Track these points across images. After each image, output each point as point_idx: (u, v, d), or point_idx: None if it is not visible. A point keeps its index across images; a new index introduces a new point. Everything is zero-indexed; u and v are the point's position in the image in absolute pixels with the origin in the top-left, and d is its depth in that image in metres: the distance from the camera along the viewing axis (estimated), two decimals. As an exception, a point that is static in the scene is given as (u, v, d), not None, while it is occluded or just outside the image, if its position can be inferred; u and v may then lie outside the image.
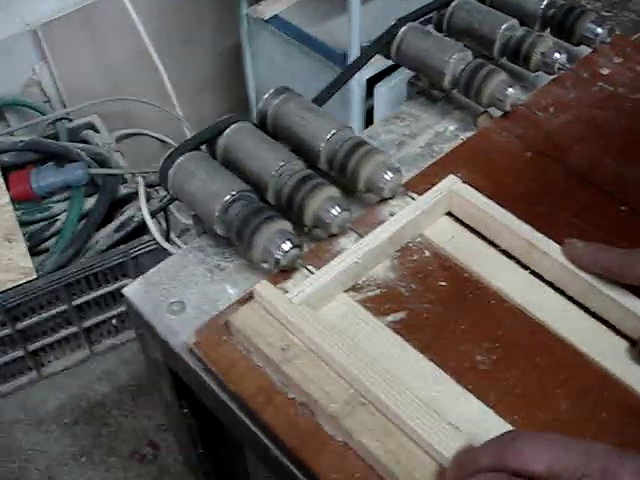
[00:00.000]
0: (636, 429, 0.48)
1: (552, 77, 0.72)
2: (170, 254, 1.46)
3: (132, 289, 0.59)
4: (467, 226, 0.60)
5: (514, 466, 0.40)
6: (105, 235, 1.39)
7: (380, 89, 1.49)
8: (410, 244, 0.59)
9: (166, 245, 1.44)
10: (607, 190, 0.62)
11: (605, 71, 0.73)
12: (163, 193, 1.53)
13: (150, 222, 1.39)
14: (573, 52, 0.75)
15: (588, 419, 0.48)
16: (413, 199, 0.60)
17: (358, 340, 0.51)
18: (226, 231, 0.58)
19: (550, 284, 0.56)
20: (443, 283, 0.56)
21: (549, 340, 0.53)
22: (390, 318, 0.54)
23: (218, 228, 0.58)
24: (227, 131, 0.62)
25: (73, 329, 1.41)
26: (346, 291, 0.56)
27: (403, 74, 1.49)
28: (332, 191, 0.58)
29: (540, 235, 0.56)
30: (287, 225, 0.56)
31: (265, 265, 0.57)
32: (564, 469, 0.39)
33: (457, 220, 0.61)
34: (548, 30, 0.76)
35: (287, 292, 0.53)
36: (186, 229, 1.78)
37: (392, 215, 0.59)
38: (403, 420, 0.45)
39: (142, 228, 1.45)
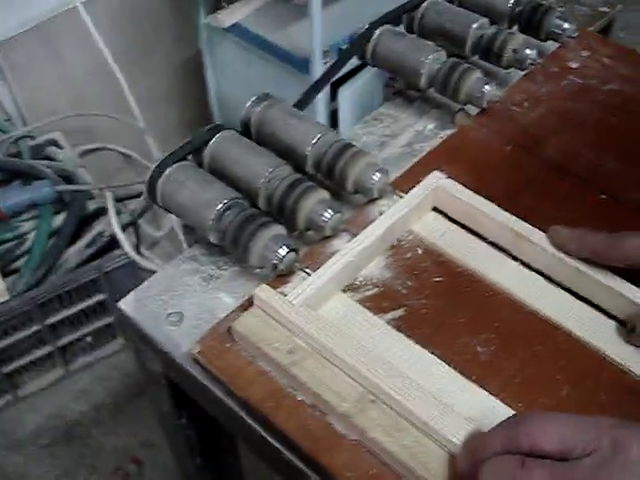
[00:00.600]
0: (635, 407, 0.49)
1: (523, 73, 0.74)
2: (142, 268, 1.46)
3: (128, 302, 0.59)
4: (454, 220, 0.61)
5: (526, 446, 0.41)
6: (76, 252, 1.38)
7: (344, 92, 1.50)
8: (403, 242, 0.60)
9: (138, 259, 1.43)
10: (586, 179, 0.64)
11: (574, 64, 0.75)
12: (132, 207, 1.53)
13: (121, 236, 1.38)
14: (541, 47, 0.77)
15: (589, 401, 0.50)
16: (401, 197, 0.61)
17: (361, 339, 0.52)
18: (220, 239, 0.58)
19: (540, 272, 0.57)
20: (438, 279, 0.57)
21: (545, 327, 0.54)
22: (389, 316, 0.55)
23: (212, 236, 0.58)
24: (213, 140, 0.63)
25: (48, 349, 1.39)
26: (344, 291, 0.56)
27: (365, 77, 1.51)
28: (323, 194, 0.59)
29: (526, 225, 0.58)
30: (282, 230, 0.57)
31: (263, 271, 0.57)
32: (575, 445, 0.40)
33: (444, 215, 0.62)
34: (516, 27, 0.78)
35: (286, 295, 0.54)
36: (156, 242, 1.77)
37: (382, 214, 0.60)
38: (414, 414, 0.46)
39: (112, 243, 1.44)
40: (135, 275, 1.45)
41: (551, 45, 0.78)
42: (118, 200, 1.49)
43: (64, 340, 1.42)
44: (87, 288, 1.39)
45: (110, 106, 1.59)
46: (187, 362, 0.55)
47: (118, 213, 1.43)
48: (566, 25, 0.75)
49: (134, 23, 1.61)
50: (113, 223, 1.38)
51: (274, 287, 0.55)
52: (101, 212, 1.45)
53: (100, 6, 1.50)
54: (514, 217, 0.58)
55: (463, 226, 0.61)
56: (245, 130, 0.66)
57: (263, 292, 0.54)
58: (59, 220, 1.38)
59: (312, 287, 0.54)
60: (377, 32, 0.72)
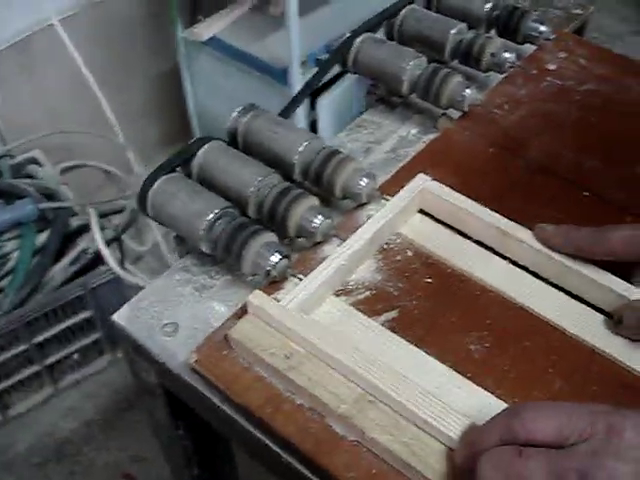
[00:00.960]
0: (625, 398, 0.51)
1: (503, 76, 0.76)
2: (127, 283, 1.45)
3: (122, 314, 0.60)
4: (440, 222, 0.62)
5: (522, 436, 0.41)
6: (60, 270, 1.37)
7: (322, 101, 1.51)
8: (392, 245, 0.61)
9: (123, 274, 1.43)
10: (569, 179, 0.65)
11: (551, 66, 0.77)
12: (115, 222, 1.53)
13: (106, 252, 1.38)
14: (519, 51, 0.78)
15: (581, 394, 0.51)
16: (387, 200, 0.62)
17: (357, 341, 0.53)
18: (212, 249, 0.59)
19: (527, 269, 0.59)
20: (428, 280, 0.58)
21: (535, 323, 0.55)
22: (383, 318, 0.56)
23: (204, 246, 0.59)
24: (201, 151, 0.63)
25: (35, 368, 1.39)
26: (337, 295, 0.57)
27: (342, 86, 1.53)
28: (312, 201, 0.60)
29: (512, 223, 0.59)
30: (273, 237, 0.57)
31: (255, 278, 0.58)
32: (570, 432, 0.41)
33: (430, 217, 0.63)
34: (493, 31, 0.79)
35: (280, 301, 0.54)
36: (139, 257, 1.77)
37: (370, 218, 0.61)
38: (413, 412, 0.47)
39: (96, 259, 1.43)
40: (120, 291, 1.45)
41: (528, 48, 0.79)
42: (101, 216, 1.49)
43: (52, 358, 1.41)
44: (73, 305, 1.38)
45: (89, 122, 1.59)
46: (184, 371, 0.55)
47: (101, 229, 1.43)
48: (543, 28, 0.76)
49: (111, 39, 1.62)
50: (97, 239, 1.38)
51: (267, 294, 0.56)
52: (84, 229, 1.45)
53: (77, 22, 1.51)
54: (500, 216, 0.60)
55: (450, 227, 0.62)
56: (232, 140, 0.66)
57: (256, 298, 0.54)
58: (42, 238, 1.38)
59: (305, 292, 0.55)
60: (358, 40, 0.73)
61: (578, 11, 0.97)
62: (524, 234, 0.58)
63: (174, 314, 0.59)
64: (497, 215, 0.60)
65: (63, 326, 1.39)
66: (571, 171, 0.66)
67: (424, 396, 0.48)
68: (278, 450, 0.51)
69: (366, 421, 0.48)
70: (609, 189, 0.65)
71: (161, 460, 1.35)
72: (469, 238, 0.61)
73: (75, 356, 1.46)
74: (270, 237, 0.57)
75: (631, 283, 0.55)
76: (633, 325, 0.53)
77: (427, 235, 0.61)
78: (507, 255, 0.60)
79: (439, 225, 0.62)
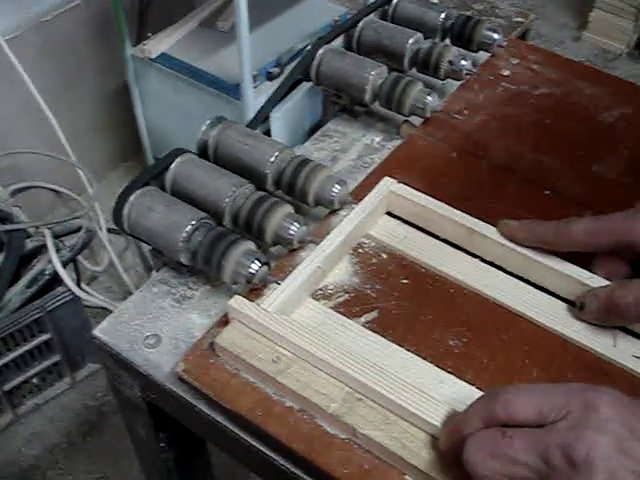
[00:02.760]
0: (599, 382, 0.53)
1: (460, 83, 0.79)
2: (85, 304, 1.44)
3: (103, 329, 0.60)
4: (407, 222, 0.64)
5: (503, 417, 0.43)
6: (17, 292, 1.35)
7: (275, 114, 1.53)
8: (366, 249, 0.63)
9: (81, 294, 1.42)
10: (530, 178, 0.68)
11: (506, 72, 0.80)
12: (70, 243, 1.51)
13: (63, 273, 1.37)
14: (473, 58, 0.81)
15: (557, 381, 0.53)
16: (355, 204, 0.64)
17: (340, 342, 0.54)
18: (191, 260, 0.60)
19: (493, 264, 0.61)
20: (404, 280, 0.60)
21: (508, 317, 0.58)
22: (363, 319, 0.57)
23: (182, 257, 0.59)
24: (174, 164, 0.64)
25: (-6, 394, 1.36)
26: (317, 299, 0.59)
27: (294, 98, 1.54)
28: (287, 209, 0.61)
29: (476, 220, 0.62)
30: (252, 245, 0.58)
31: (236, 286, 0.59)
32: (550, 410, 0.43)
33: (397, 218, 0.65)
34: (448, 40, 0.82)
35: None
36: (94, 277, 1.75)
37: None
38: (401, 406, 0.49)
39: (52, 281, 1.42)
40: (78, 312, 1.44)
41: (482, 55, 0.82)
42: (55, 237, 1.47)
43: (10, 384, 1.39)
44: (31, 328, 1.36)
45: (39, 143, 1.57)
46: (170, 382, 0.56)
47: (57, 250, 1.41)
48: (495, 36, 0.80)
49: (59, 58, 1.61)
50: (54, 260, 1.37)
51: (249, 300, 0.57)
52: (39, 250, 1.43)
53: (24, 42, 1.49)
54: (465, 214, 0.62)
55: (417, 227, 0.64)
56: (203, 153, 0.67)
57: (236, 302, 0.55)
58: (-3, 261, 1.35)
59: (283, 295, 0.56)
60: (320, 52, 0.75)
61: (519, 19, 1.00)
62: (489, 230, 0.61)
63: (155, 326, 0.59)
64: (462, 213, 0.62)
65: (22, 350, 1.36)
66: (531, 171, 0.69)
67: (410, 390, 0.49)
68: (271, 454, 0.52)
69: (356, 418, 0.49)
70: (568, 187, 0.68)
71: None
72: (436, 237, 0.63)
73: (35, 380, 1.44)
74: (249, 245, 0.58)
75: (592, 272, 0.58)
76: (594, 310, 0.56)
77: (400, 238, 0.63)
78: (473, 251, 0.62)
79: (407, 226, 0.64)
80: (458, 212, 0.62)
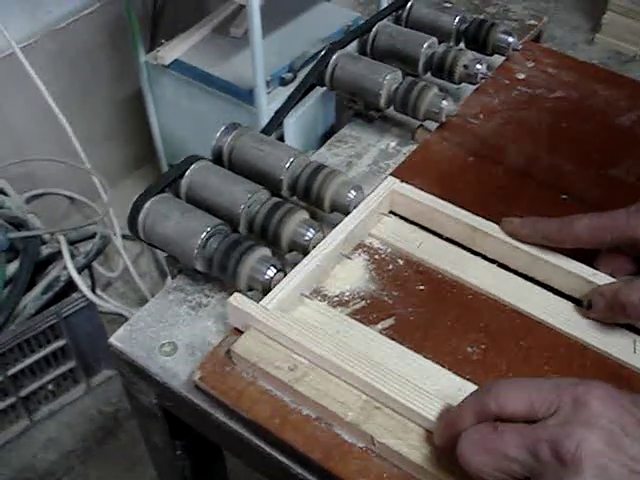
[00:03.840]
0: (619, 388, 0.52)
1: (475, 87, 0.78)
2: (101, 310, 1.44)
3: (119, 337, 0.60)
4: (410, 221, 0.64)
5: (495, 412, 0.43)
6: (33, 299, 1.36)
7: (288, 119, 1.53)
8: (383, 255, 0.62)
9: (97, 300, 1.42)
10: (546, 182, 0.68)
11: (521, 76, 0.80)
12: (84, 250, 1.51)
13: (78, 279, 1.37)
14: (488, 62, 0.81)
15: (577, 389, 0.52)
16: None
17: (358, 350, 0.54)
18: (206, 267, 0.59)
19: (497, 263, 0.61)
20: (421, 287, 0.60)
21: (527, 323, 0.57)
22: (380, 326, 0.57)
23: (198, 265, 0.59)
24: (189, 171, 0.64)
25: (10, 400, 1.36)
26: (334, 306, 0.58)
27: (307, 104, 1.55)
28: (303, 215, 0.61)
29: (480, 218, 0.61)
30: (267, 252, 0.58)
31: (252, 293, 0.58)
32: (540, 404, 0.42)
33: (400, 217, 0.65)
34: (462, 43, 0.82)
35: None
36: (109, 283, 1.75)
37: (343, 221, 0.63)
38: (420, 414, 0.48)
39: (67, 287, 1.42)
40: (93, 318, 1.44)
41: (497, 59, 0.82)
42: (70, 243, 1.47)
43: (26, 390, 1.39)
44: (46, 334, 1.37)
45: (54, 150, 1.58)
46: (186, 390, 0.55)
47: (72, 256, 1.42)
48: (510, 39, 0.79)
49: (73, 65, 1.61)
50: (69, 266, 1.37)
51: (265, 308, 0.57)
52: (53, 257, 1.44)
53: (38, 50, 1.50)
54: (468, 212, 0.62)
55: (421, 226, 0.64)
56: (217, 159, 0.67)
57: (235, 300, 0.55)
58: (12, 268, 1.36)
59: (283, 292, 0.56)
60: (334, 57, 0.75)
61: (532, 22, 1.00)
62: (492, 229, 0.60)
63: (171, 334, 0.59)
64: (465, 212, 0.62)
65: (37, 356, 1.37)
66: (548, 175, 0.68)
67: (429, 397, 0.49)
68: (288, 462, 0.51)
69: (374, 427, 0.49)
70: (585, 191, 0.67)
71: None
72: (440, 236, 0.63)
73: (50, 386, 1.44)
74: (264, 252, 0.58)
75: (596, 269, 0.57)
76: (601, 309, 0.55)
77: (416, 244, 0.63)
78: (477, 250, 0.62)
79: (421, 231, 0.64)
80: (461, 210, 0.62)
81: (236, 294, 0.56)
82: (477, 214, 0.62)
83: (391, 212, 0.66)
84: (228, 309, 0.56)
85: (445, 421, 0.47)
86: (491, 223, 0.61)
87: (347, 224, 0.61)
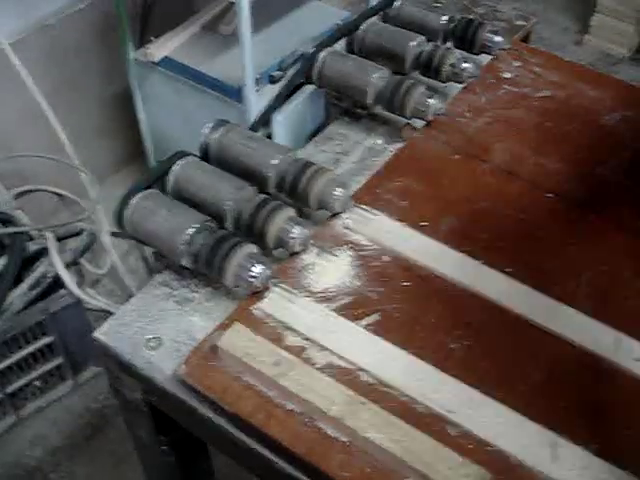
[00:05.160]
0: (603, 387, 0.53)
1: (462, 85, 0.78)
2: (88, 307, 1.44)
3: (104, 331, 0.60)
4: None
5: None
6: (20, 295, 1.35)
7: (277, 118, 1.53)
8: (369, 252, 0.62)
9: (84, 297, 1.41)
10: (532, 180, 0.68)
11: (508, 75, 0.80)
12: (70, 246, 1.51)
13: (66, 276, 1.36)
14: (475, 61, 0.81)
15: (561, 385, 0.53)
16: (366, 210, 0.64)
17: (342, 345, 0.54)
18: (193, 262, 0.60)
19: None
20: (406, 283, 0.60)
21: (511, 320, 0.57)
22: (364, 322, 0.57)
23: (184, 260, 0.59)
24: (175, 167, 0.64)
25: (-3, 396, 1.35)
26: (319, 302, 0.58)
27: (296, 101, 1.54)
28: (289, 212, 0.61)
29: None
30: (254, 248, 0.58)
31: (237, 289, 0.59)
32: None
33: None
34: (450, 43, 0.82)
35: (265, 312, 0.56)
36: (97, 280, 1.75)
37: (347, 228, 0.63)
38: (407, 410, 0.48)
39: (55, 284, 1.41)
40: (80, 315, 1.43)
41: (484, 58, 0.82)
42: (57, 240, 1.47)
43: (13, 386, 1.38)
44: (33, 331, 1.36)
45: (42, 146, 1.57)
46: (171, 384, 0.56)
47: (59, 253, 1.41)
48: (497, 38, 0.80)
49: (62, 61, 1.61)
50: (56, 263, 1.36)
51: (250, 304, 0.57)
52: (41, 253, 1.43)
53: (27, 46, 1.49)
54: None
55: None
56: (205, 156, 0.67)
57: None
58: (-1, 264, 1.35)
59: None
60: (322, 55, 0.75)
61: (521, 22, 1.00)
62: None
63: (157, 329, 0.59)
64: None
65: (24, 352, 1.36)
66: (534, 173, 0.69)
67: (411, 395, 0.49)
68: (272, 457, 0.52)
69: (358, 421, 0.49)
70: (571, 189, 0.68)
71: (131, 483, 1.34)
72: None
73: (37, 383, 1.43)
74: (251, 249, 0.58)
75: None
76: None
77: (402, 240, 0.63)
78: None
79: (400, 224, 0.64)
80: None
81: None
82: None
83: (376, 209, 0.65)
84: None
85: None
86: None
87: None
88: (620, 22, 2.26)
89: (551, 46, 2.08)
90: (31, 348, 1.38)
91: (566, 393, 0.52)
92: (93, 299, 1.51)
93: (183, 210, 0.61)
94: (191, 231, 0.59)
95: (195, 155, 0.66)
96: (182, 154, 0.65)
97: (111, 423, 1.47)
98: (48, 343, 1.40)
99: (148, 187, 0.63)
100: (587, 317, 0.57)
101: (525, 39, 1.01)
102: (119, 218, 0.62)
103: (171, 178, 0.64)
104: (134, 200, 0.61)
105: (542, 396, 0.52)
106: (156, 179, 0.64)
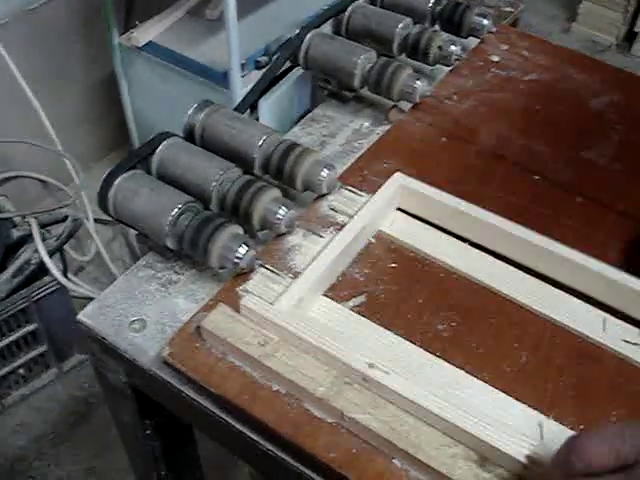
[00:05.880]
0: (588, 367, 0.53)
1: (449, 68, 0.78)
2: (72, 294, 1.42)
3: (87, 314, 0.59)
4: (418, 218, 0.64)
5: (582, 469, 0.42)
6: (3, 282, 1.33)
7: (264, 102, 1.51)
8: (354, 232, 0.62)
9: (68, 284, 1.40)
10: (519, 163, 0.68)
11: (495, 58, 0.80)
12: (56, 233, 1.49)
13: (49, 262, 1.35)
14: (463, 44, 0.81)
15: (547, 366, 0.53)
16: (352, 192, 0.63)
17: (329, 326, 0.54)
18: (177, 244, 0.59)
19: (486, 249, 0.60)
20: (392, 265, 0.60)
21: (497, 301, 0.57)
22: (351, 303, 0.57)
23: (169, 242, 0.59)
24: (160, 147, 0.63)
25: (-20, 385, 1.35)
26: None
27: (283, 87, 1.53)
28: (275, 192, 0.60)
29: (466, 203, 0.61)
30: (239, 229, 0.58)
31: (222, 271, 0.58)
32: (628, 454, 0.41)
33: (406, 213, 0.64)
34: (437, 25, 0.81)
35: (250, 293, 0.55)
36: (81, 268, 1.73)
37: (333, 209, 0.62)
38: (392, 389, 0.48)
39: (38, 271, 1.40)
40: (65, 302, 1.42)
41: (471, 41, 0.82)
42: (41, 226, 1.46)
43: (-3, 374, 1.37)
44: (17, 318, 1.35)
45: (26, 132, 1.56)
46: (156, 366, 0.55)
47: (43, 240, 1.40)
48: (485, 22, 0.79)
49: (46, 46, 1.59)
50: (40, 250, 1.35)
51: (235, 286, 0.56)
52: (25, 240, 1.42)
53: (10, 31, 1.47)
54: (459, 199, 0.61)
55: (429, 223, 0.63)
56: (189, 137, 0.67)
57: (250, 302, 0.54)
58: (-18, 251, 1.34)
59: (298, 294, 0.55)
60: (308, 37, 0.74)
61: (509, 9, 1.00)
62: (481, 214, 0.60)
63: (141, 310, 0.59)
64: (457, 199, 0.61)
65: (7, 340, 1.35)
66: (521, 156, 0.69)
67: (399, 373, 0.49)
68: (257, 438, 0.51)
69: (344, 402, 0.49)
70: (557, 172, 0.67)
71: (115, 471, 1.34)
72: (427, 222, 0.63)
73: (21, 370, 1.43)
74: (236, 229, 0.57)
75: None
76: None
77: (388, 222, 0.63)
78: (464, 234, 0.61)
79: (399, 212, 0.64)
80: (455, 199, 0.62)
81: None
82: (449, 192, 0.62)
83: (363, 191, 0.65)
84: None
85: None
86: (505, 220, 0.60)
87: (355, 223, 0.60)
88: (607, 10, 2.26)
89: (539, 34, 2.08)
90: (15, 336, 1.37)
91: (552, 374, 0.52)
92: (77, 286, 1.50)
93: (167, 191, 0.60)
94: (175, 212, 0.58)
95: (179, 136, 0.65)
96: (166, 135, 0.64)
97: (95, 411, 1.47)
98: (32, 330, 1.39)
99: (132, 168, 0.62)
100: (574, 298, 0.57)
101: (513, 26, 1.01)
102: (102, 199, 0.61)
103: (155, 159, 0.63)
104: (117, 181, 0.61)
105: (528, 376, 0.52)
106: (140, 160, 0.63)
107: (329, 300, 0.56)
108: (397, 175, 0.64)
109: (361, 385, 0.49)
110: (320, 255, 0.58)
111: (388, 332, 0.54)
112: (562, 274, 0.58)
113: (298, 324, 0.51)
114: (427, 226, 0.62)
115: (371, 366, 0.49)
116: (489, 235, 0.60)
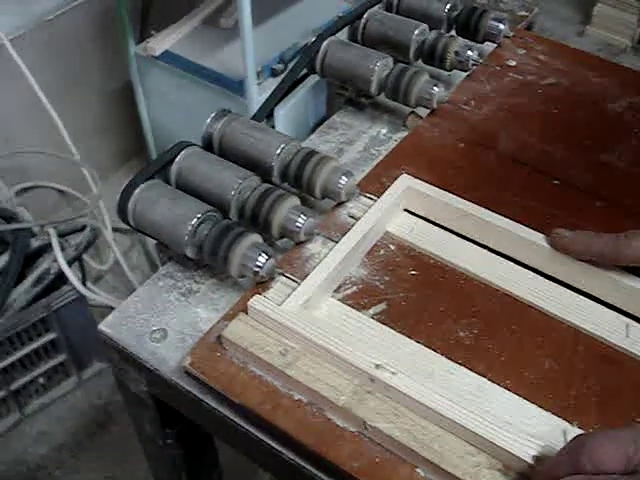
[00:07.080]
0: (611, 372, 0.52)
1: (466, 74, 0.78)
2: (91, 303, 1.43)
3: (108, 324, 0.59)
4: (422, 218, 0.64)
5: (590, 469, 0.41)
6: (23, 292, 1.35)
7: (279, 111, 1.52)
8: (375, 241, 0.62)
9: (87, 293, 1.41)
10: (538, 168, 0.68)
11: (512, 62, 0.79)
12: (74, 242, 1.51)
13: (69, 272, 1.36)
14: (479, 49, 0.81)
15: (570, 372, 0.52)
16: (371, 199, 0.63)
17: (349, 334, 0.54)
18: (197, 253, 0.59)
19: (505, 256, 0.60)
20: (413, 272, 0.59)
21: (519, 307, 0.57)
22: (372, 311, 0.57)
23: (189, 251, 0.59)
24: (179, 157, 0.63)
25: (1, 394, 1.35)
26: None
27: (299, 94, 1.54)
28: (294, 201, 0.60)
29: (486, 211, 0.61)
30: (259, 238, 0.58)
31: (242, 280, 0.58)
32: (635, 456, 0.40)
33: (414, 214, 0.64)
34: (453, 31, 0.81)
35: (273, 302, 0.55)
36: (100, 276, 1.75)
37: (352, 217, 0.62)
38: (413, 398, 0.48)
39: (58, 280, 1.41)
40: (84, 311, 1.43)
41: (488, 46, 0.82)
42: (60, 236, 1.47)
43: (17, 384, 1.38)
44: (37, 327, 1.36)
45: (43, 142, 1.57)
46: (177, 376, 0.55)
47: (62, 249, 1.41)
48: (501, 26, 0.79)
49: (63, 57, 1.60)
50: (59, 259, 1.36)
51: (256, 294, 0.56)
52: (44, 249, 1.43)
53: (27, 42, 1.49)
54: (474, 205, 0.61)
55: (434, 223, 0.63)
56: (207, 146, 0.67)
57: (257, 302, 0.54)
58: (2, 261, 1.35)
59: (304, 296, 0.55)
60: (324, 44, 0.75)
61: (523, 13, 1.00)
62: (502, 222, 0.60)
63: (161, 320, 0.59)
64: (473, 205, 0.61)
65: (28, 349, 1.36)
66: (540, 161, 0.68)
67: (421, 383, 0.49)
68: (279, 448, 0.51)
69: (366, 411, 0.48)
70: (577, 176, 0.67)
71: (135, 478, 1.34)
72: (445, 229, 0.63)
73: (41, 379, 1.44)
74: (255, 238, 0.58)
75: None
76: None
77: (407, 229, 0.62)
78: (487, 244, 0.61)
79: (405, 212, 0.64)
80: (471, 204, 0.61)
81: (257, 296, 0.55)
82: (468, 198, 0.62)
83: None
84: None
85: (540, 474, 0.44)
86: (501, 217, 0.60)
87: (362, 224, 0.61)
88: (622, 12, 2.25)
89: (553, 37, 2.08)
90: (34, 345, 1.38)
91: (575, 380, 0.52)
92: (96, 295, 1.51)
93: (186, 200, 0.60)
94: (195, 221, 0.58)
95: (198, 145, 0.65)
96: (185, 144, 0.64)
97: (115, 420, 1.47)
98: (52, 339, 1.40)
99: (151, 177, 0.62)
100: (595, 303, 0.57)
101: (528, 30, 1.00)
102: (122, 209, 0.61)
103: (174, 168, 0.63)
104: (137, 191, 0.61)
105: (551, 383, 0.52)
106: (159, 169, 0.63)
107: (348, 308, 0.56)
108: (404, 177, 0.64)
109: (383, 394, 0.49)
110: (327, 256, 0.58)
111: (409, 340, 0.54)
112: (581, 280, 0.57)
113: (306, 325, 0.52)
114: (441, 230, 0.62)
115: (393, 374, 0.49)
116: (501, 238, 0.60)
